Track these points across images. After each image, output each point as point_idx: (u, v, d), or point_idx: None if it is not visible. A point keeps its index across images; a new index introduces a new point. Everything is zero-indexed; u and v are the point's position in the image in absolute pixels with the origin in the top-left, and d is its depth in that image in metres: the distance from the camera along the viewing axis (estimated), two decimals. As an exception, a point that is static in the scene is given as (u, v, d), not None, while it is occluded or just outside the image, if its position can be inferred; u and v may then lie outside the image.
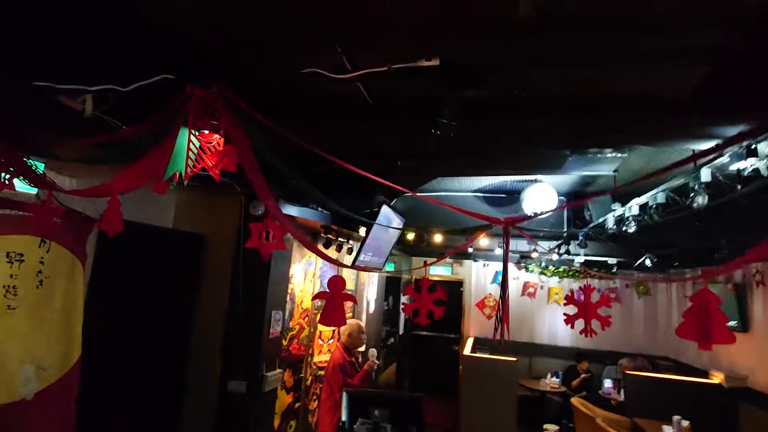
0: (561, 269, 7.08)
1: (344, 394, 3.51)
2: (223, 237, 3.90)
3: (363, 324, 5.20)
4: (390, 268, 7.80)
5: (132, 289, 3.28)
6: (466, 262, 8.26)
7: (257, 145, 1.78)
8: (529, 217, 1.56)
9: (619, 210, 3.65)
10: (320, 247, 4.94)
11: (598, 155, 3.22)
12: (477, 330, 7.91)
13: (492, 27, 1.54)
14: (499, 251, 6.03)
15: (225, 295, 3.82)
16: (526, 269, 7.78)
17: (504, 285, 1.50)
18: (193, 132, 1.75)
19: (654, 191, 2.97)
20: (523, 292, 8.05)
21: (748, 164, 2.03)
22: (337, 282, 1.55)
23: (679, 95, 1.80)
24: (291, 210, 4.07)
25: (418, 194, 1.98)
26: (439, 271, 8.93)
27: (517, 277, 7.81)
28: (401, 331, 8.19)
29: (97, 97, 2.17)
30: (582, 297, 1.91)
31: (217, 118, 1.72)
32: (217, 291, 3.85)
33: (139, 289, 3.36)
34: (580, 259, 6.66)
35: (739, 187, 2.06)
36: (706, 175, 2.42)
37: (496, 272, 7.93)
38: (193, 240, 3.82)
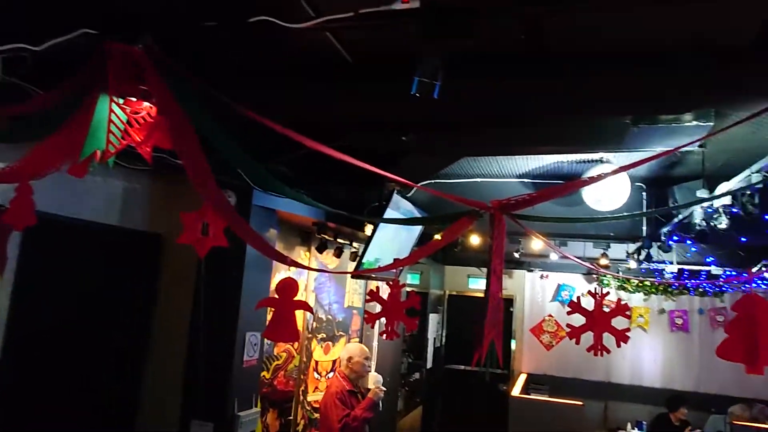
0: (646, 283, 6.98)
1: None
2: (186, 237, 4.06)
3: (375, 351, 5.29)
4: (414, 280, 7.87)
5: (67, 301, 3.46)
6: (518, 272, 8.21)
7: (198, 114, 1.88)
8: (528, 202, 1.58)
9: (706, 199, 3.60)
10: (313, 250, 5.06)
11: (673, 124, 3.18)
12: (532, 364, 7.89)
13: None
14: (554, 257, 6.01)
15: (187, 312, 3.98)
16: (600, 282, 7.70)
17: (488, 288, 1.53)
18: (115, 100, 1.87)
19: (746, 171, 2.92)
20: (597, 314, 7.96)
21: None
22: (286, 286, 1.64)
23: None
24: (273, 202, 4.20)
25: (419, 185, 2.03)
26: (483, 284, 8.94)
27: (585, 293, 7.74)
28: (429, 364, 8.25)
29: (9, 59, 2.34)
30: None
31: (145, 81, 1.84)
32: (178, 305, 4.00)
33: (77, 301, 3.54)
34: (673, 268, 6.55)
35: None
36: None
37: (559, 285, 7.88)
38: (145, 240, 3.99)
